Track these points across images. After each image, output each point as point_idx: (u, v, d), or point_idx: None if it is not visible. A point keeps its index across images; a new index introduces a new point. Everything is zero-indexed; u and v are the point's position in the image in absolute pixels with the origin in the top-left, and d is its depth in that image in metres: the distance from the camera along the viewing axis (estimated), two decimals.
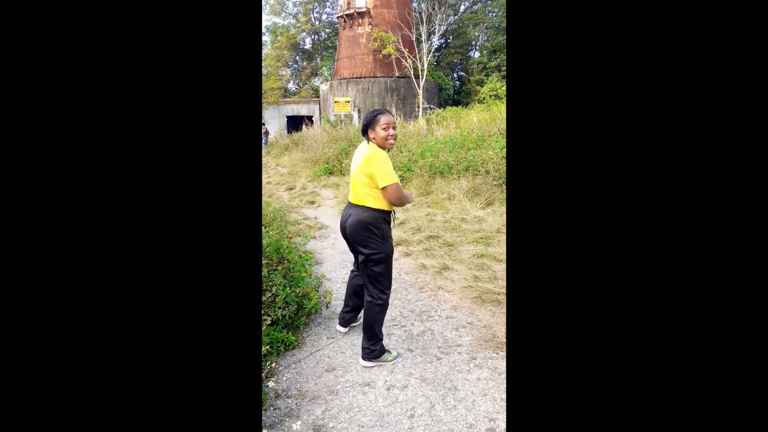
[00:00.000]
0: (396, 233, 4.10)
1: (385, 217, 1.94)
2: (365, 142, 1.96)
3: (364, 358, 2.02)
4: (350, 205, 1.97)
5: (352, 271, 2.28)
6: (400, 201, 1.88)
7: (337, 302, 2.74)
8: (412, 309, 2.69)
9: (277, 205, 5.68)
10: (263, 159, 13.25)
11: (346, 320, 2.35)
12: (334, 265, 3.59)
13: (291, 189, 7.35)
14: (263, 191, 7.12)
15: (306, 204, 6.09)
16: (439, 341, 2.28)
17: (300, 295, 2.41)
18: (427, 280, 3.17)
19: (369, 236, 1.91)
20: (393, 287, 2.97)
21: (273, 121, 20.37)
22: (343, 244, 4.11)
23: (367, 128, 1.91)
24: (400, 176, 6.25)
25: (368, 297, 1.98)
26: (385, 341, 2.25)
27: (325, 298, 2.64)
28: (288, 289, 2.34)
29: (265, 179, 8.82)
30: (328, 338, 2.33)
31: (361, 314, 2.29)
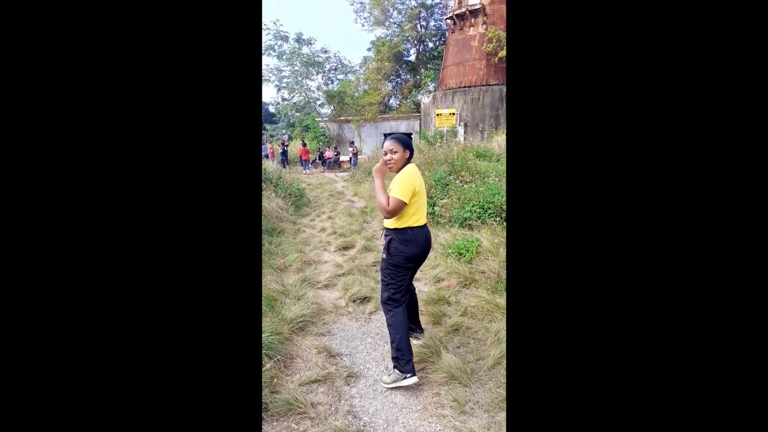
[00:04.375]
0: None
1: None
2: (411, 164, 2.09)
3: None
4: (424, 227, 2.06)
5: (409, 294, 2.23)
6: None
7: None
8: None
9: (288, 312, 2.84)
10: (345, 183, 10.96)
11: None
12: None
13: (347, 249, 4.53)
14: (303, 248, 4.44)
15: (358, 299, 3.13)
16: None
17: None
18: None
19: None
20: None
21: (369, 139, 18.47)
22: None
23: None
24: None
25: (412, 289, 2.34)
26: None
27: None
28: None
29: (323, 222, 6.15)
30: None
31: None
